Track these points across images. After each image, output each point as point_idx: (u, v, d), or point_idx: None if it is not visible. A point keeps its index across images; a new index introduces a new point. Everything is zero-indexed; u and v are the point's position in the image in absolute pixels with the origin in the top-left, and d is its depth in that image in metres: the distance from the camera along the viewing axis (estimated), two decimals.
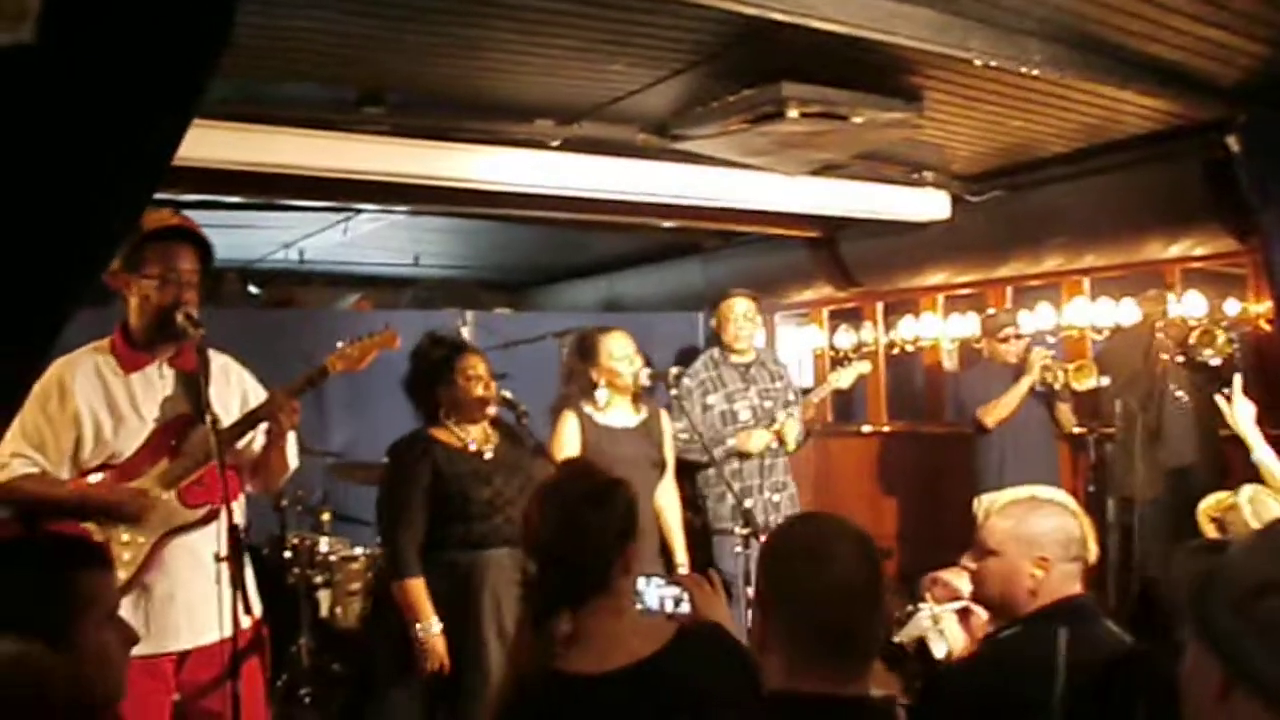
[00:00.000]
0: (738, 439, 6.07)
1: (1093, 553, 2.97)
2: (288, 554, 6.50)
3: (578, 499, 2.63)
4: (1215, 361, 6.07)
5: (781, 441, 6.17)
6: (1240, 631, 1.60)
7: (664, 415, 5.58)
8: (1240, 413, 4.99)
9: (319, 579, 6.52)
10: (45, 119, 2.06)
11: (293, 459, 3.91)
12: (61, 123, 2.07)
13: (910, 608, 6.25)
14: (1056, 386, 6.61)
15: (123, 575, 3.42)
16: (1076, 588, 2.95)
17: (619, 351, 5.31)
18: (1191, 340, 6.13)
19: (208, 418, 3.31)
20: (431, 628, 4.25)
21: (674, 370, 5.67)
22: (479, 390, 4.43)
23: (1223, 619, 1.63)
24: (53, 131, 2.07)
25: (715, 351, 6.30)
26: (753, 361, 6.29)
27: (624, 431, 5.33)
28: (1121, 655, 2.76)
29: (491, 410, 4.50)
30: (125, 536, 3.46)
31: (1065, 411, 6.96)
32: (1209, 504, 4.91)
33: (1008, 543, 2.97)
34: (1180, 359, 6.20)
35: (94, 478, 3.51)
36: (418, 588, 4.29)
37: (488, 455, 4.44)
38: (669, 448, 5.53)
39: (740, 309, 6.30)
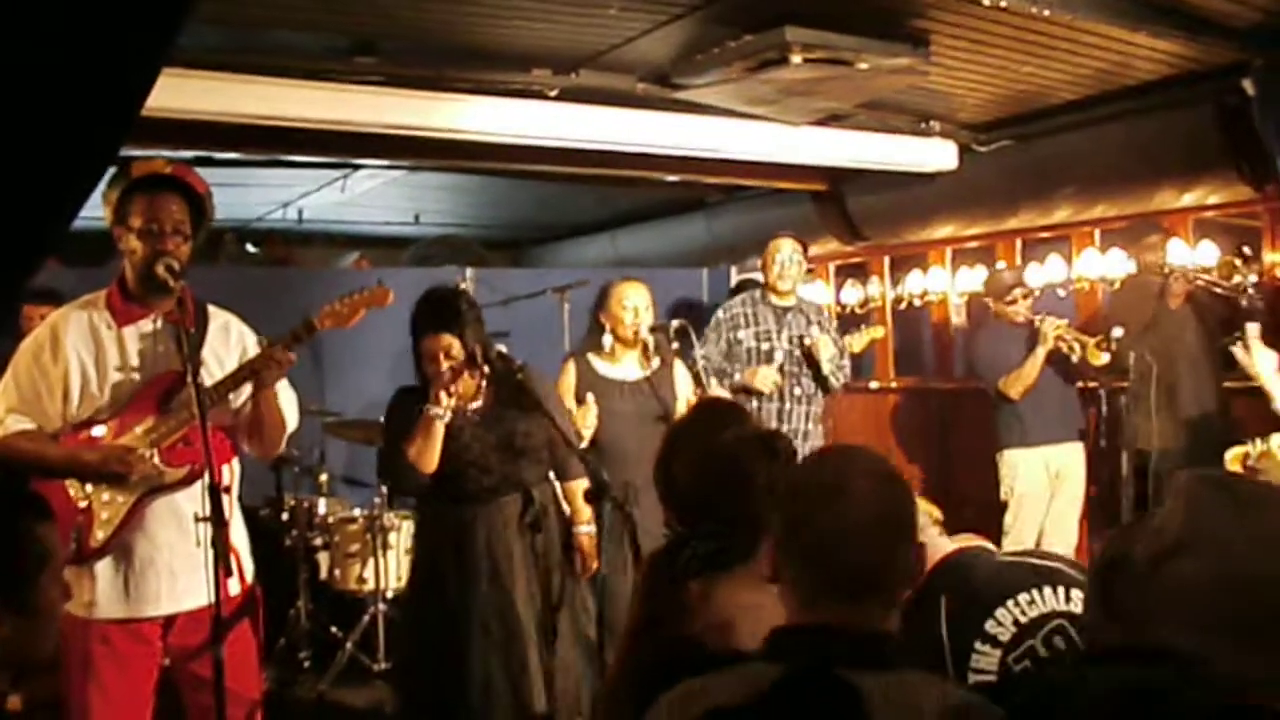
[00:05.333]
0: (745, 374, 5.99)
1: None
2: (285, 516, 6.42)
3: (741, 445, 2.36)
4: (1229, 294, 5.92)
5: (814, 362, 6.04)
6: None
7: (680, 368, 5.53)
8: (1261, 361, 4.83)
9: (317, 541, 6.45)
10: (4, 61, 1.96)
11: (291, 418, 3.77)
12: (23, 66, 1.97)
13: None
14: (1074, 360, 6.40)
15: (101, 535, 3.35)
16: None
17: (627, 300, 5.33)
18: (1212, 274, 5.97)
19: (189, 375, 3.20)
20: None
21: (675, 323, 5.62)
22: (431, 366, 4.17)
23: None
24: (13, 75, 1.97)
25: (756, 291, 6.26)
26: (792, 307, 6.22)
27: (623, 384, 5.29)
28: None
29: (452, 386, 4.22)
30: (105, 496, 3.36)
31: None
32: (1238, 452, 4.69)
33: None
34: (1191, 304, 6.09)
35: (95, 430, 3.41)
36: None
37: (469, 410, 4.29)
38: (683, 402, 5.43)
39: (786, 250, 6.22)
